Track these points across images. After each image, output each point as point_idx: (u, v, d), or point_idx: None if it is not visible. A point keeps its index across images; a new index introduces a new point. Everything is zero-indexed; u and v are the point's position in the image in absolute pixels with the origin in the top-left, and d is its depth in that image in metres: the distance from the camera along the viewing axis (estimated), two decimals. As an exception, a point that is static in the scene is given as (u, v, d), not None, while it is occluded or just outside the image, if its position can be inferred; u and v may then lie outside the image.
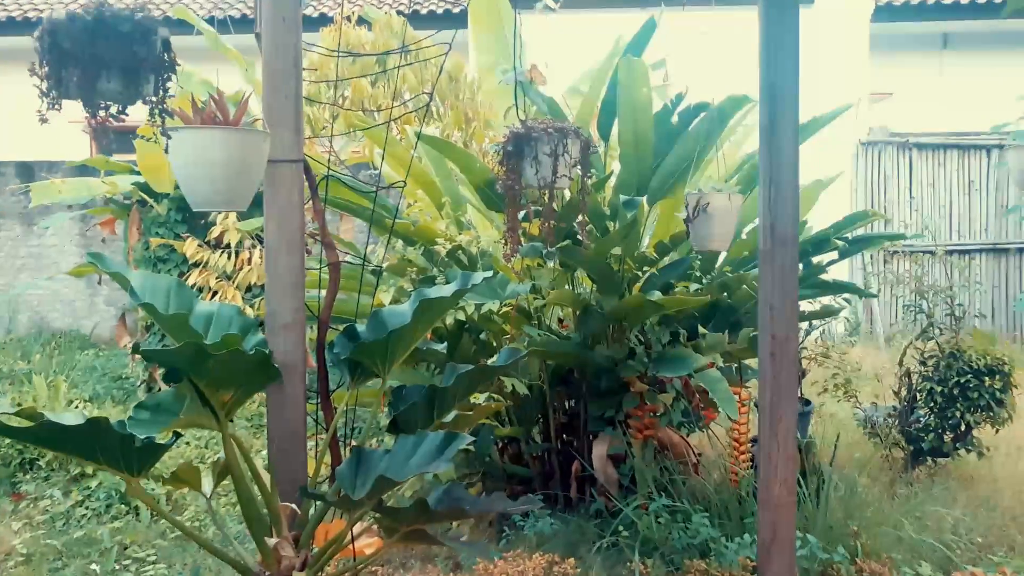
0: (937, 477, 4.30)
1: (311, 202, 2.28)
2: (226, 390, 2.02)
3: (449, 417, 2.16)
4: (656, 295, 3.28)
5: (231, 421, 2.14)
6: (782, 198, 2.32)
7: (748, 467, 3.65)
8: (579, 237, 3.58)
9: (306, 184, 2.25)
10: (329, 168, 2.66)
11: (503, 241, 2.62)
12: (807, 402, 4.41)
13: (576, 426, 4.02)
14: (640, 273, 3.54)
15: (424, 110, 4.62)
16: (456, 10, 10.95)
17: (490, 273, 2.39)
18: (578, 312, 3.62)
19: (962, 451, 4.26)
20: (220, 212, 5.08)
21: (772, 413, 2.35)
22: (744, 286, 3.49)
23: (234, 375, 1.99)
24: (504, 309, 3.37)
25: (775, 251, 2.33)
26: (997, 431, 4.27)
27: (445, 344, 3.61)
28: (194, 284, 5.15)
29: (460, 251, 3.56)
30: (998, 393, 4.07)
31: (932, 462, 4.38)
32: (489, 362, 2.19)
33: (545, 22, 7.51)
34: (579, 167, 2.46)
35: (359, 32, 5.84)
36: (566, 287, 3.77)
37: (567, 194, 3.02)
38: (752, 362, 3.84)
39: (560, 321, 4.10)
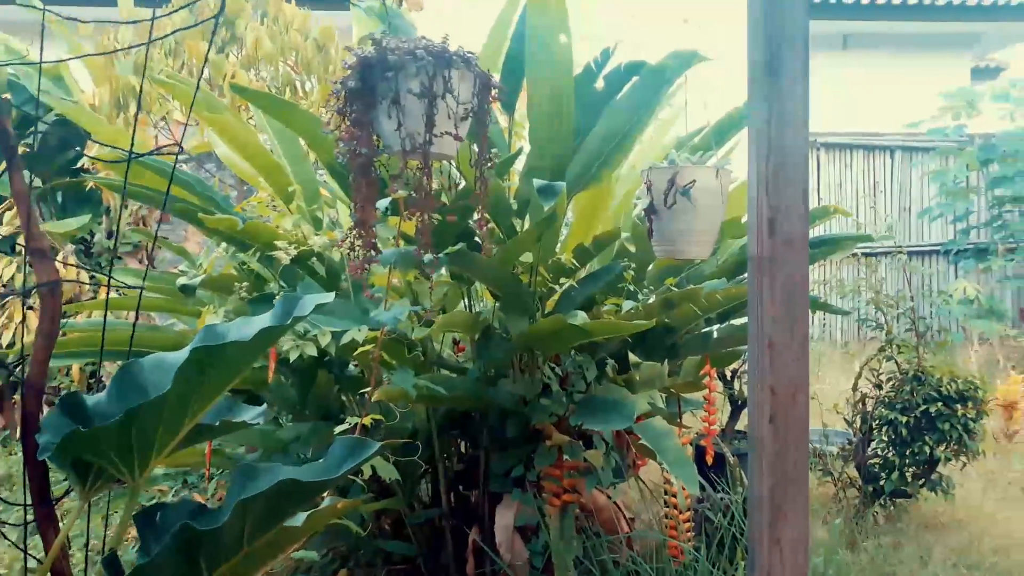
0: (900, 523, 3.65)
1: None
2: None
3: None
4: (579, 317, 2.43)
5: None
6: (787, 176, 1.50)
7: (692, 536, 2.85)
8: (477, 238, 2.69)
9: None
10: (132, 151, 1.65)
11: (348, 242, 1.67)
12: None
13: (475, 478, 3.13)
14: (556, 286, 2.69)
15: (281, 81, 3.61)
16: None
17: (329, 295, 1.45)
18: (477, 338, 2.73)
19: (925, 491, 3.63)
20: None
21: (772, 512, 1.53)
22: (689, 303, 2.69)
23: None
24: (372, 335, 2.43)
25: (777, 258, 1.51)
26: (964, 466, 3.66)
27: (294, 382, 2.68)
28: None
29: (315, 258, 2.60)
30: (971, 423, 3.45)
31: (891, 503, 3.74)
32: (316, 467, 1.23)
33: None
34: (473, 119, 1.53)
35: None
36: (461, 305, 2.87)
37: (458, 174, 2.11)
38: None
39: (456, 343, 3.20)
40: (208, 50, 1.66)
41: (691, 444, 3.08)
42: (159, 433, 1.25)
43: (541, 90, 2.48)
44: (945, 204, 8.06)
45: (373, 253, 1.62)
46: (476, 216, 1.66)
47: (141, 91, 1.66)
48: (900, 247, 6.93)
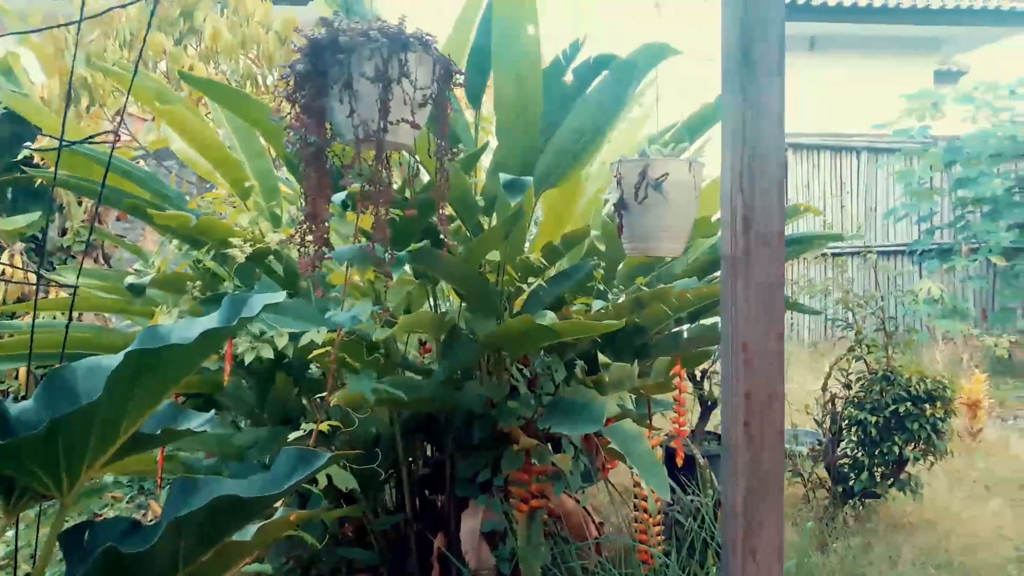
0: (869, 523, 3.64)
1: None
2: None
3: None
4: (548, 317, 2.36)
5: None
6: (762, 170, 1.44)
7: (661, 540, 2.80)
8: (442, 236, 2.61)
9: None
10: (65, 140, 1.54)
11: (299, 239, 1.57)
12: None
13: (441, 483, 3.04)
14: (524, 285, 2.61)
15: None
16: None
17: (279, 295, 1.36)
18: (442, 338, 2.64)
19: (894, 490, 3.62)
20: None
21: (746, 522, 1.47)
22: (659, 303, 2.63)
23: None
24: (332, 336, 2.34)
25: (752, 257, 1.45)
26: (931, 466, 3.66)
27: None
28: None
29: (272, 256, 2.50)
30: (939, 423, 3.44)
31: (860, 504, 3.72)
32: (257, 483, 1.13)
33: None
34: (432, 106, 1.43)
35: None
36: (426, 305, 2.79)
37: (422, 168, 2.02)
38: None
39: (423, 343, 3.11)
40: (146, 31, 1.55)
41: (661, 446, 3.03)
42: (90, 444, 1.15)
43: (508, 83, 2.40)
44: (910, 205, 8.14)
45: (325, 250, 1.52)
46: (438, 211, 1.57)
47: (67, 79, 1.54)
48: (869, 247, 6.98)
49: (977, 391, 5.13)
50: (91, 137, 1.92)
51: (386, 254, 1.98)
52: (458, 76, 1.41)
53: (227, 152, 2.58)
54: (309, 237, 1.50)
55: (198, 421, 1.44)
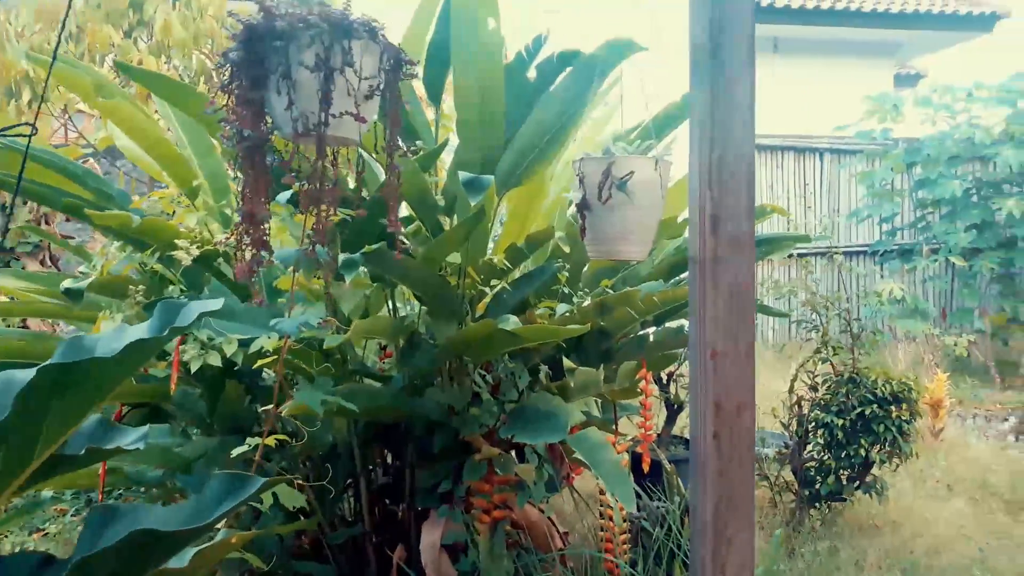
0: (835, 527, 3.62)
1: None
2: None
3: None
4: (511, 321, 2.27)
5: None
6: (732, 168, 1.37)
7: (628, 549, 2.74)
8: (402, 238, 2.52)
9: None
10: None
11: (235, 239, 1.46)
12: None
13: (400, 492, 2.95)
14: (487, 289, 2.53)
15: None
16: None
17: (218, 302, 1.26)
18: (402, 344, 2.55)
19: (859, 493, 3.60)
20: None
21: (716, 538, 1.40)
22: (625, 306, 2.57)
23: None
24: (277, 344, 2.23)
25: (721, 259, 1.38)
26: (896, 467, 3.65)
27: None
28: None
29: (221, 259, 2.38)
30: (905, 425, 3.43)
31: (827, 506, 3.70)
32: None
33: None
34: (381, 98, 1.32)
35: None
36: (385, 310, 2.69)
37: (378, 167, 1.91)
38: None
39: (383, 348, 3.01)
40: (67, 10, 1.43)
41: (627, 451, 2.97)
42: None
43: (468, 79, 2.32)
44: (873, 206, 8.22)
45: (265, 254, 1.42)
46: (390, 211, 1.46)
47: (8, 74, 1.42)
48: (835, 248, 7.01)
49: (939, 391, 5.17)
50: (4, 129, 1.78)
51: (332, 257, 1.88)
52: (409, 67, 1.31)
53: (173, 148, 2.46)
54: (246, 240, 1.39)
55: (130, 439, 1.32)
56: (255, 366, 1.93)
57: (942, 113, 7.77)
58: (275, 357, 1.72)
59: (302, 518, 2.67)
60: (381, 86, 1.28)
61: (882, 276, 8.73)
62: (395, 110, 1.32)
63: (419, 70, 2.47)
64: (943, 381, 5.24)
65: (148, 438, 1.34)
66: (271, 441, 1.70)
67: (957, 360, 7.22)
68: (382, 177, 2.29)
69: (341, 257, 1.87)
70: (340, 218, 1.87)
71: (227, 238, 1.53)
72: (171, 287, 2.32)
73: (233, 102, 1.30)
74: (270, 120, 1.34)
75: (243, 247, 1.40)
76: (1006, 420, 6.13)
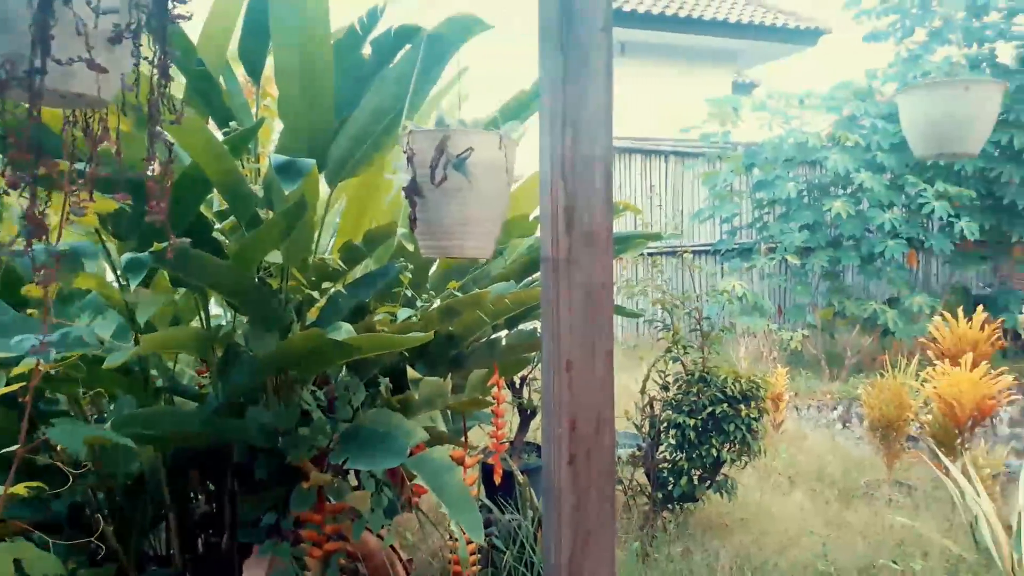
0: (688, 528, 3.58)
1: None
2: None
3: None
4: (343, 330, 2.00)
5: None
6: (587, 153, 1.18)
7: (478, 571, 2.53)
8: (217, 233, 2.19)
9: None
10: None
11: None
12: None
13: (221, 524, 2.59)
14: (316, 293, 2.23)
15: None
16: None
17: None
18: (218, 358, 2.20)
19: (710, 492, 3.58)
20: None
21: (571, 572, 1.20)
22: (475, 310, 2.35)
23: None
24: (72, 358, 1.84)
25: (576, 258, 1.18)
26: (745, 465, 3.67)
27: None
28: None
29: (-17, 258, 1.95)
30: (753, 423, 3.44)
31: (679, 507, 3.67)
32: None
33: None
34: (134, 42, 0.99)
35: None
36: (197, 320, 2.33)
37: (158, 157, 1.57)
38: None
39: (204, 362, 2.64)
40: None
41: (478, 464, 2.77)
42: None
43: (290, 55, 2.02)
44: (715, 207, 8.50)
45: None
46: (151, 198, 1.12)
47: None
48: (684, 247, 7.15)
49: (780, 385, 5.34)
50: None
51: (128, 256, 1.54)
52: (176, 4, 1.01)
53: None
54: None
55: None
56: (2, 391, 1.55)
57: (777, 118, 8.15)
58: (21, 385, 1.36)
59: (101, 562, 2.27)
60: (134, 26, 0.97)
61: (724, 274, 9.07)
62: (162, 60, 1.02)
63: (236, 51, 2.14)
64: (783, 376, 5.43)
65: None
66: (22, 489, 1.33)
67: (792, 354, 7.59)
68: (187, 161, 1.95)
69: (124, 256, 1.53)
70: (117, 206, 1.53)
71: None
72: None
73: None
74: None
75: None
76: (835, 409, 6.48)
